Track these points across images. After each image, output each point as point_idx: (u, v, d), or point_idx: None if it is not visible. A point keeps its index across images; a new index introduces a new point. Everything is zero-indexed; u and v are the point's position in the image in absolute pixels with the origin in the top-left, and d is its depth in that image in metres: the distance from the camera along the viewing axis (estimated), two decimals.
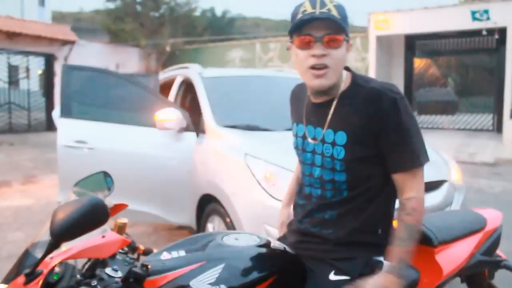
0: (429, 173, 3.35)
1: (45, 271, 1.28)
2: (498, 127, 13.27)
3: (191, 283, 1.39)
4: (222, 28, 35.78)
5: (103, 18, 20.38)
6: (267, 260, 1.54)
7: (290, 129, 3.56)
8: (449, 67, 15.86)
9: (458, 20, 12.46)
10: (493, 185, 7.35)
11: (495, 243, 1.88)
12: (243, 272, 1.45)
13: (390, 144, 1.41)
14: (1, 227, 5.17)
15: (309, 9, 1.37)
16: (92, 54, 16.33)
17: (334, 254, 1.49)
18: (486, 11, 12.07)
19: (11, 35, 14.24)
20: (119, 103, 3.97)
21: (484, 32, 12.26)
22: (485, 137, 12.80)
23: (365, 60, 14.53)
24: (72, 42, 15.99)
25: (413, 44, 14.75)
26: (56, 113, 3.93)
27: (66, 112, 3.75)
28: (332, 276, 1.45)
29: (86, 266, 1.40)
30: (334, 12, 1.37)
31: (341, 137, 1.45)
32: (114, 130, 3.81)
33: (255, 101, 4.17)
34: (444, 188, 3.20)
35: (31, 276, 1.28)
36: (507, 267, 1.88)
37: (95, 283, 1.31)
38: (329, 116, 1.47)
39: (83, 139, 3.73)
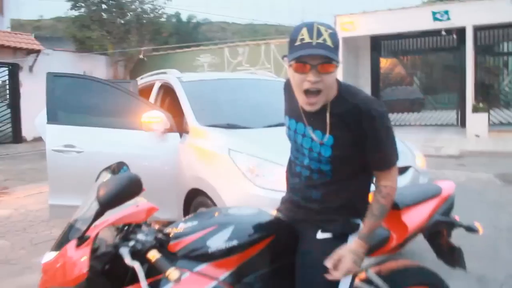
0: None
1: (92, 235, 1.56)
2: (462, 122, 13.81)
3: (207, 243, 1.69)
4: (188, 33, 35.73)
5: (68, 26, 20.00)
6: (266, 223, 1.85)
7: (267, 126, 3.79)
8: (414, 66, 16.38)
9: (420, 20, 12.93)
10: (458, 175, 7.70)
11: (450, 206, 2.24)
12: (249, 232, 1.76)
13: (370, 151, 1.66)
14: None
15: (307, 38, 1.50)
16: (58, 63, 16.04)
17: (319, 216, 1.75)
18: (446, 12, 12.57)
19: None
20: (103, 107, 4.08)
21: (443, 32, 12.79)
22: (450, 132, 13.31)
23: None
24: (37, 51, 15.68)
25: (379, 44, 15.17)
26: (39, 120, 3.98)
27: (53, 118, 3.83)
28: (319, 235, 1.73)
29: (120, 235, 1.63)
30: (329, 42, 1.50)
31: (329, 140, 1.66)
32: (101, 134, 3.91)
33: (232, 102, 4.41)
34: (410, 173, 3.61)
35: (82, 240, 1.57)
36: (460, 225, 2.21)
37: (133, 243, 1.57)
38: (326, 121, 1.65)
39: (71, 143, 3.80)
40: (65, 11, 20.75)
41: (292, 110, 1.79)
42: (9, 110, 15.52)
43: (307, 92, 1.57)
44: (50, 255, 1.66)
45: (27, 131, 15.37)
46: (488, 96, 14.05)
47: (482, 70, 14.40)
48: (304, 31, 1.51)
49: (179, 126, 3.94)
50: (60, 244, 1.67)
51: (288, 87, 1.79)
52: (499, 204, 5.74)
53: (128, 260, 1.50)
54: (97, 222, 1.59)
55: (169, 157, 3.80)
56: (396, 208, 2.05)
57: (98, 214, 1.56)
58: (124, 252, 1.53)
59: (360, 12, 14.24)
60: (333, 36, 1.52)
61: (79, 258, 1.52)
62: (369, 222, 1.69)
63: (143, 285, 1.47)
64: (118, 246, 1.57)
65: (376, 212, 1.69)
